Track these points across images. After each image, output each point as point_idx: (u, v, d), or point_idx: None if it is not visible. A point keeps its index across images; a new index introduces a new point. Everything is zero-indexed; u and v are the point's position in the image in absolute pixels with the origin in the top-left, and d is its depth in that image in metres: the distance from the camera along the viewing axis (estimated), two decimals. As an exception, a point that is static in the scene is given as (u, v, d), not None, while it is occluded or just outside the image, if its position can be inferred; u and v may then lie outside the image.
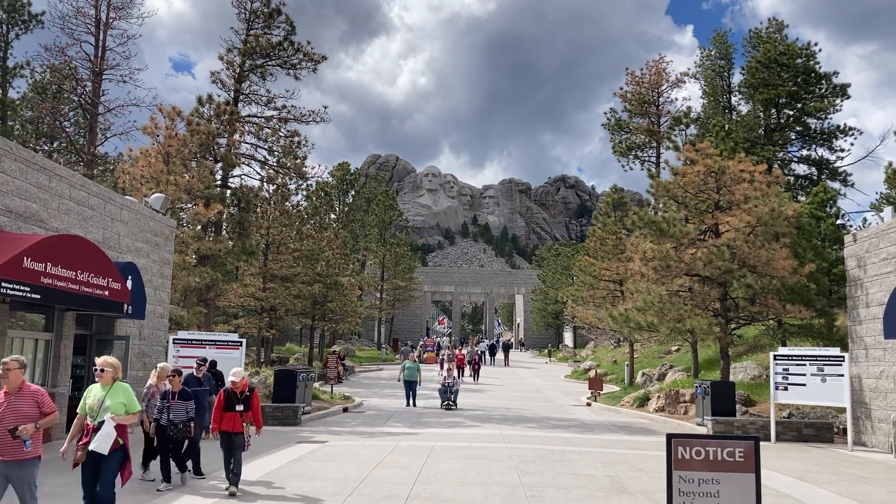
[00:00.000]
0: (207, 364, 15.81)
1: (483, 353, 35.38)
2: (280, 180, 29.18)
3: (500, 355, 54.37)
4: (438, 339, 64.48)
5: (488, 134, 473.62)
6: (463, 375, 33.50)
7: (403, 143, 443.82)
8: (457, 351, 38.49)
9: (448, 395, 21.90)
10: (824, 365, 16.46)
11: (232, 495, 9.08)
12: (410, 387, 22.73)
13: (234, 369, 9.71)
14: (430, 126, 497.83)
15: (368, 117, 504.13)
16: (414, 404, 22.61)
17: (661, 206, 23.58)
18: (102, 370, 6.78)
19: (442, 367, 37.50)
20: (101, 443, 6.51)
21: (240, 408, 9.33)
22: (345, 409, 21.76)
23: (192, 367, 15.61)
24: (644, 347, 39.45)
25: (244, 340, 16.91)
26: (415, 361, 23.77)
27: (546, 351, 64.64)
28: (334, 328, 42.46)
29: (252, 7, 27.56)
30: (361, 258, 62.53)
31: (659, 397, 22.88)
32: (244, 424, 9.31)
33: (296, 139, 27.32)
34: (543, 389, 32.40)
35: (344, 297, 37.99)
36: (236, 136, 26.77)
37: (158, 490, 9.44)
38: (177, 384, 9.84)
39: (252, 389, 9.52)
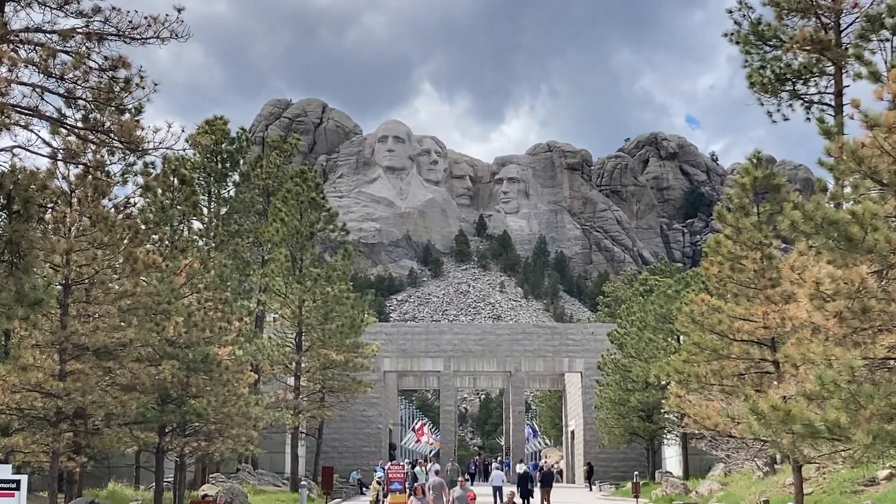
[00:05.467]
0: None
1: (498, 489, 34.64)
2: (91, 156, 29.17)
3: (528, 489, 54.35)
4: (416, 467, 64.13)
5: (507, 54, 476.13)
6: None
7: (340, 77, 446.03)
8: (467, 492, 37.34)
9: None
10: None
11: None
12: None
13: None
14: (393, 41, 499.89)
15: (270, 27, 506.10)
16: None
17: (846, 190, 23.79)
18: None
19: None
20: None
21: None
22: None
23: None
24: (824, 473, 39.36)
25: (24, 478, 16.82)
26: None
27: (630, 486, 64.55)
28: (206, 450, 42.03)
29: None
30: (256, 308, 62.39)
31: (855, 572, 22.91)
32: None
33: (121, 74, 27.41)
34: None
35: (223, 385, 37.81)
36: (1, 71, 26.86)
37: None
38: None
39: None
